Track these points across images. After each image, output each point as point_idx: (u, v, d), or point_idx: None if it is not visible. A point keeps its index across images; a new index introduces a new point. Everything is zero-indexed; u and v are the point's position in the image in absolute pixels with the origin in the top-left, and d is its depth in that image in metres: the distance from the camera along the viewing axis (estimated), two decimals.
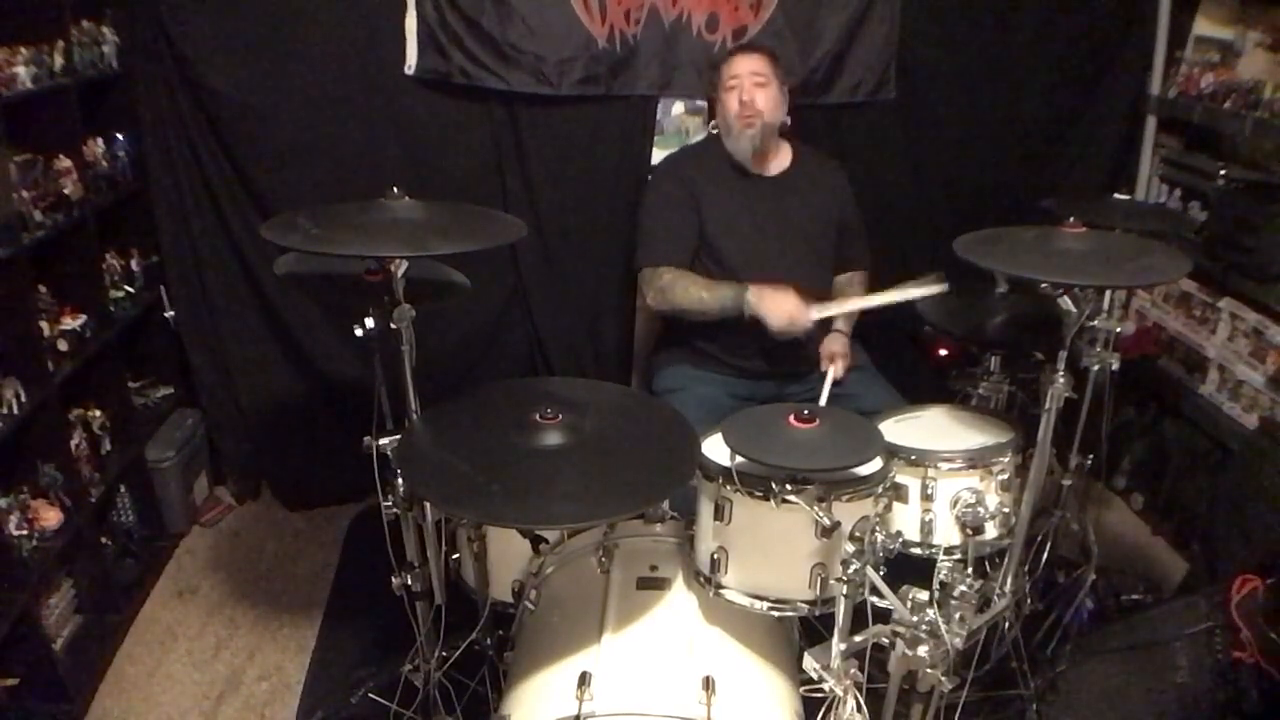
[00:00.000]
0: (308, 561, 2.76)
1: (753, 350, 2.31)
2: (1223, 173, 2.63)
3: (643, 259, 2.33)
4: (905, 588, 1.51)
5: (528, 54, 2.55)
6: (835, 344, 2.36)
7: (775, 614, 1.60)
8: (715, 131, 2.39)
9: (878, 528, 1.53)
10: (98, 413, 2.46)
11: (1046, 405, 1.73)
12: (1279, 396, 2.41)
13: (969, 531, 1.74)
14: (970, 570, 1.59)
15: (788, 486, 1.48)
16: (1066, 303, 1.63)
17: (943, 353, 2.56)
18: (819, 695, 1.52)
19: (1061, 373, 1.70)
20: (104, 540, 2.47)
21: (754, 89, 2.24)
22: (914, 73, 2.80)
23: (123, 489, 2.62)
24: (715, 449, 1.60)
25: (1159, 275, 1.77)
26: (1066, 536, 2.30)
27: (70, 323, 2.29)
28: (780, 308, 2.12)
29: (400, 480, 1.71)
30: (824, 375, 2.26)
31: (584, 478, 1.47)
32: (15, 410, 2.00)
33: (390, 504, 1.76)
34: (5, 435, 1.96)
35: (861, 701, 1.49)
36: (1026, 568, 2.03)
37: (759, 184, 2.33)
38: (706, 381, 2.33)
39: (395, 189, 1.65)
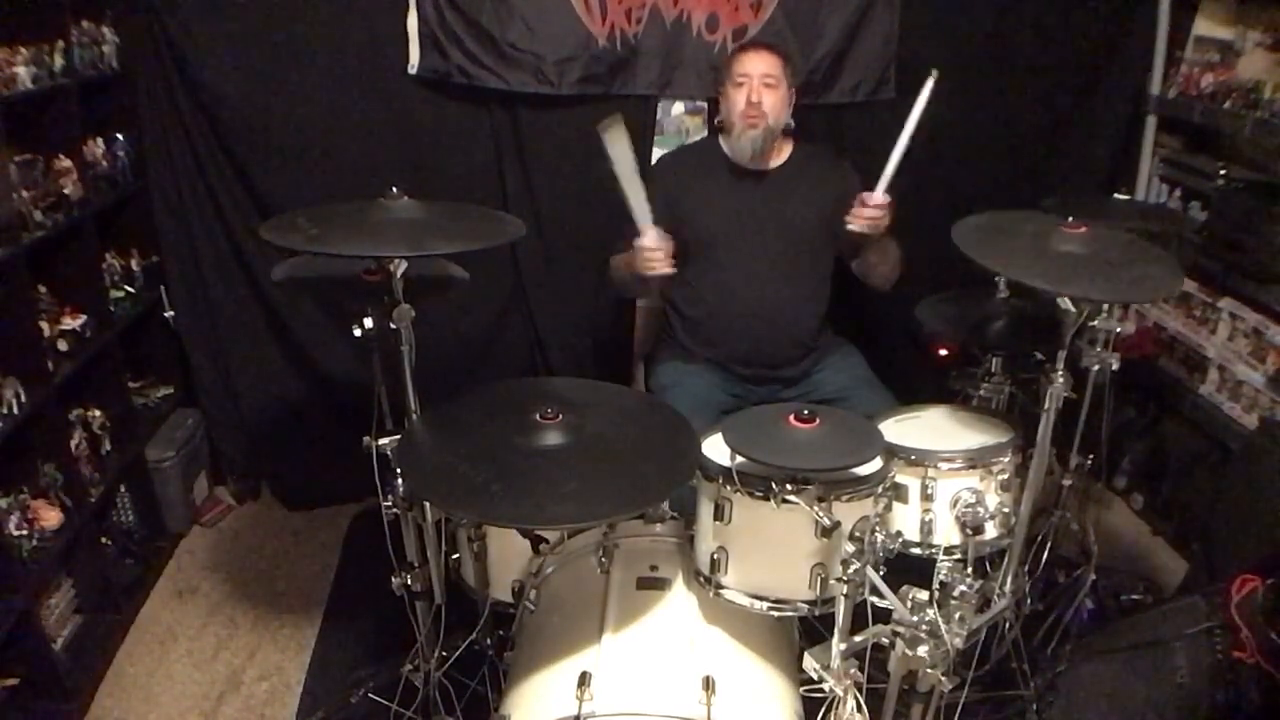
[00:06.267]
0: (308, 561, 2.76)
1: (738, 351, 2.33)
2: (1223, 173, 2.62)
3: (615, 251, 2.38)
4: (905, 588, 1.51)
5: (527, 54, 2.54)
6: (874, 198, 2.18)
7: (775, 614, 1.60)
8: (719, 124, 2.36)
9: (878, 528, 1.53)
10: (98, 413, 2.46)
11: (1046, 405, 1.73)
12: (1279, 396, 2.41)
13: (969, 531, 1.75)
14: (970, 570, 1.59)
15: (788, 486, 1.48)
16: (1066, 303, 1.63)
17: (943, 353, 2.56)
18: (819, 695, 1.52)
19: (1061, 373, 1.70)
20: (104, 540, 2.47)
21: (763, 90, 2.22)
22: (914, 73, 2.79)
23: (123, 489, 2.62)
24: (715, 449, 1.60)
25: (1153, 290, 1.72)
26: (1066, 536, 2.30)
27: (70, 323, 2.29)
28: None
29: (400, 480, 1.71)
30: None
31: (584, 478, 1.47)
32: (15, 410, 2.00)
33: (390, 504, 1.76)
34: (5, 435, 1.96)
35: (861, 701, 1.49)
36: (1026, 568, 2.03)
37: (754, 181, 2.33)
38: (700, 377, 2.34)
39: (395, 189, 1.65)
